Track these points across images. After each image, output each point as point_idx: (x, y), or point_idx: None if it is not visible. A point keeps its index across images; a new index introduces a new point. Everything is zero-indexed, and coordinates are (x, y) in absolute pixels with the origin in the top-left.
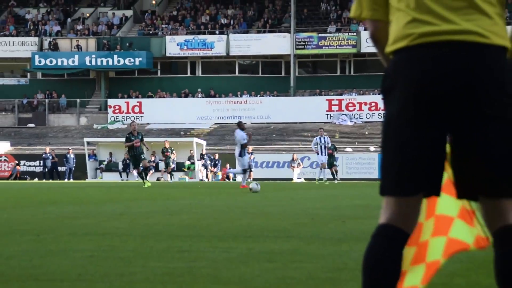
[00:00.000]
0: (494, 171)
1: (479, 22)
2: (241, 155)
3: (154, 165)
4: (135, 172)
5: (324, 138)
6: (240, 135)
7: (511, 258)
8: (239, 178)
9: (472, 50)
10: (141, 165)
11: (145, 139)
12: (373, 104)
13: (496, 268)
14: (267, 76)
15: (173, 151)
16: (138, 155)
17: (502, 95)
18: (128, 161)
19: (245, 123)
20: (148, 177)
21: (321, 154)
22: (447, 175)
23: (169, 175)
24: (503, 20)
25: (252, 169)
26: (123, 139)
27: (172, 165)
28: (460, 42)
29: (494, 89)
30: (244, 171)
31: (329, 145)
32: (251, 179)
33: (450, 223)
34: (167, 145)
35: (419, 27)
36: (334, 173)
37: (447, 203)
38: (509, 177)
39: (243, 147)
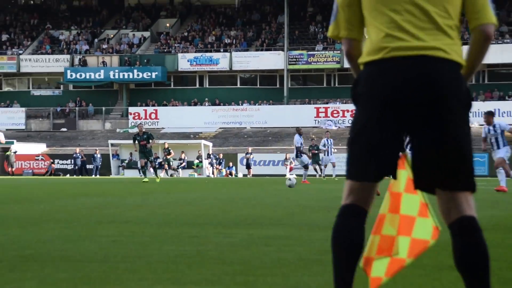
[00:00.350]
0: (450, 168)
1: (443, 41)
2: (297, 156)
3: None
4: (152, 169)
5: (330, 140)
6: (295, 140)
7: (468, 248)
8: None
9: (438, 63)
10: (149, 166)
11: (160, 141)
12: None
13: (455, 257)
14: (264, 87)
15: (171, 151)
16: (147, 153)
17: (458, 103)
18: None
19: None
20: (161, 174)
21: (327, 154)
22: (408, 174)
23: (164, 171)
24: (460, 42)
25: (251, 167)
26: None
27: (183, 163)
28: (428, 57)
29: (453, 97)
30: (305, 167)
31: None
32: (251, 176)
33: (412, 223)
34: (166, 146)
35: (393, 42)
36: (318, 170)
37: (409, 202)
38: (463, 172)
39: (298, 150)
